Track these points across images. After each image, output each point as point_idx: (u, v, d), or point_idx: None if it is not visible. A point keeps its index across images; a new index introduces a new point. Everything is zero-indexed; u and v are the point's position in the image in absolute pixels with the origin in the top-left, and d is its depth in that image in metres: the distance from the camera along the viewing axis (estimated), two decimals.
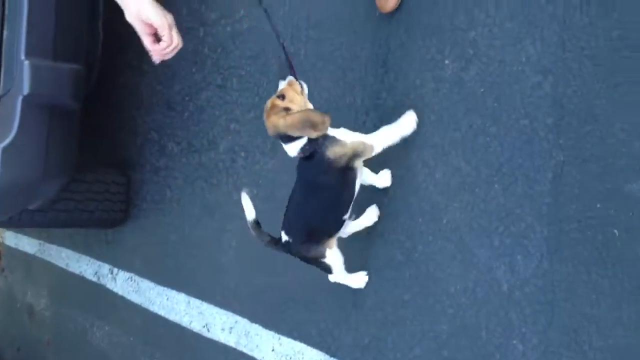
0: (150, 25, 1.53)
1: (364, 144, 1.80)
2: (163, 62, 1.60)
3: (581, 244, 1.56)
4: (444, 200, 1.88)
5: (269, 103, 1.78)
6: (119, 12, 1.71)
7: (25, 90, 2.44)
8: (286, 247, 1.89)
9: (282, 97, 1.77)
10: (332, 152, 1.77)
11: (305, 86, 1.83)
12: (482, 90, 1.82)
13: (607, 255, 1.51)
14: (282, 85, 1.81)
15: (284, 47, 1.85)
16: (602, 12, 1.55)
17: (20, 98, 2.46)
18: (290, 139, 1.77)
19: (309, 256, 1.91)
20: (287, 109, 1.75)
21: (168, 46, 1.56)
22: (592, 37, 1.57)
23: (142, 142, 3.38)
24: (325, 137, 1.77)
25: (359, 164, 1.83)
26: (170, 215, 3.18)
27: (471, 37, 1.84)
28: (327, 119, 1.74)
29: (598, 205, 1.53)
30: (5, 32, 2.49)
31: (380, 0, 2.04)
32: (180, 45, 1.57)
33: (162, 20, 1.52)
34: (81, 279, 3.96)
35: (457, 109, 1.87)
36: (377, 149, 1.84)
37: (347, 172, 1.80)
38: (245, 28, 2.75)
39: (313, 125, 1.72)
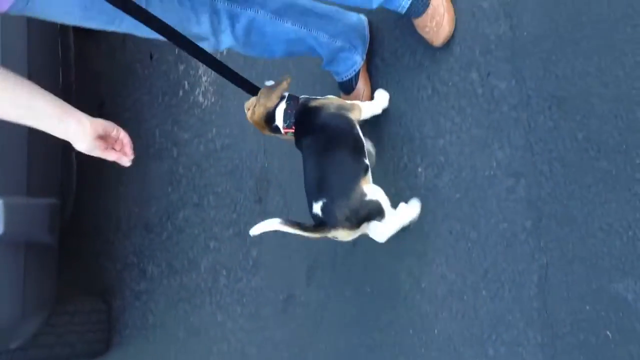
0: (103, 139, 1.50)
1: (351, 103, 1.80)
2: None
3: (576, 349, 1.52)
4: (433, 310, 1.85)
5: (248, 113, 1.83)
6: None
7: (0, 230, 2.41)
8: (326, 215, 1.66)
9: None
10: (315, 102, 1.77)
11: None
12: (457, 195, 1.82)
13: (603, 358, 1.48)
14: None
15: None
16: (565, 115, 1.59)
17: None
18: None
19: (352, 205, 1.65)
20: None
21: (129, 142, 1.54)
22: (559, 140, 1.60)
23: (122, 267, 3.32)
24: (306, 98, 1.79)
25: (349, 115, 1.77)
26: (155, 341, 3.09)
27: (440, 144, 1.87)
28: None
29: (587, 307, 1.51)
30: None
31: None
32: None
33: (110, 124, 1.50)
34: None
35: (435, 216, 1.87)
36: (364, 112, 1.83)
37: (341, 117, 1.75)
38: (218, 146, 2.78)
39: (275, 86, 1.77)
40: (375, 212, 1.72)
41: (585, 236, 1.53)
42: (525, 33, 1.68)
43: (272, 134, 1.86)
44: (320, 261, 2.27)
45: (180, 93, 2.96)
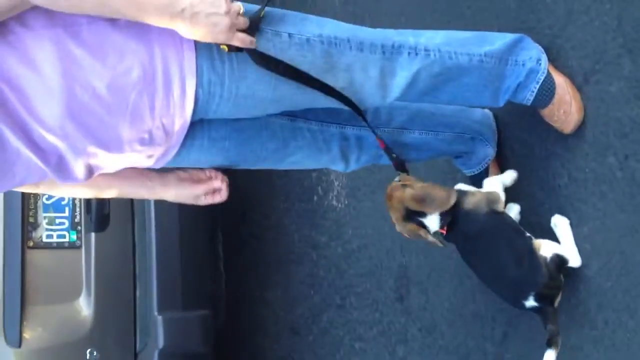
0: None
1: (493, 193, 1.80)
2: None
3: None
4: None
5: (389, 189, 1.80)
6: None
7: (160, 344, 2.58)
8: (542, 302, 1.70)
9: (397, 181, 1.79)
10: (468, 204, 1.75)
11: None
12: (609, 284, 1.76)
13: None
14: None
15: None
16: None
17: (156, 352, 2.59)
18: (422, 213, 1.76)
19: (547, 275, 1.69)
20: (404, 185, 1.76)
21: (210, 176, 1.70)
22: None
23: None
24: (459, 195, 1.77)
25: (500, 208, 1.79)
26: None
27: (585, 232, 1.82)
28: (453, 195, 1.74)
29: None
30: (137, 292, 2.69)
31: None
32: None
33: (193, 170, 1.69)
34: None
35: (588, 306, 1.80)
36: (502, 196, 1.81)
37: (494, 215, 1.76)
38: (355, 247, 2.84)
39: (435, 201, 1.73)
40: (562, 261, 1.74)
41: None
42: None
43: (395, 212, 1.82)
44: (471, 358, 2.23)
45: (315, 198, 3.08)
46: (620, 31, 1.73)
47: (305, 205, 3.16)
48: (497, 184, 1.86)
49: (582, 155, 1.83)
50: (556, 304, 1.73)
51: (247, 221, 3.51)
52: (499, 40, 1.77)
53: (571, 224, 1.85)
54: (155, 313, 2.59)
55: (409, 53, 1.62)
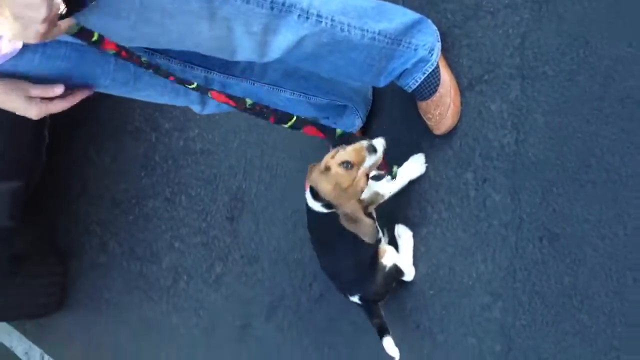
0: None
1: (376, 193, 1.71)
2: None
3: None
4: None
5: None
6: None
7: None
8: (367, 302, 1.72)
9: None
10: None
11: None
12: (431, 292, 1.77)
13: None
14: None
15: None
16: (555, 253, 1.53)
17: None
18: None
19: (380, 282, 1.68)
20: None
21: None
22: (544, 276, 1.54)
23: (83, 231, 3.25)
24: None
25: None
26: (106, 316, 3.07)
27: (423, 233, 1.80)
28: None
29: None
30: None
31: None
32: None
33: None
34: (12, 355, 3.83)
35: (404, 305, 1.83)
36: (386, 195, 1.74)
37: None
38: (198, 148, 2.67)
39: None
40: (398, 272, 1.74)
41: None
42: (530, 153, 1.58)
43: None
44: (283, 303, 2.23)
45: None
46: (521, 51, 1.62)
47: None
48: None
49: (444, 160, 1.76)
50: (381, 303, 1.74)
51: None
52: (398, 17, 1.60)
53: (414, 222, 1.82)
54: None
55: (299, 15, 1.42)
